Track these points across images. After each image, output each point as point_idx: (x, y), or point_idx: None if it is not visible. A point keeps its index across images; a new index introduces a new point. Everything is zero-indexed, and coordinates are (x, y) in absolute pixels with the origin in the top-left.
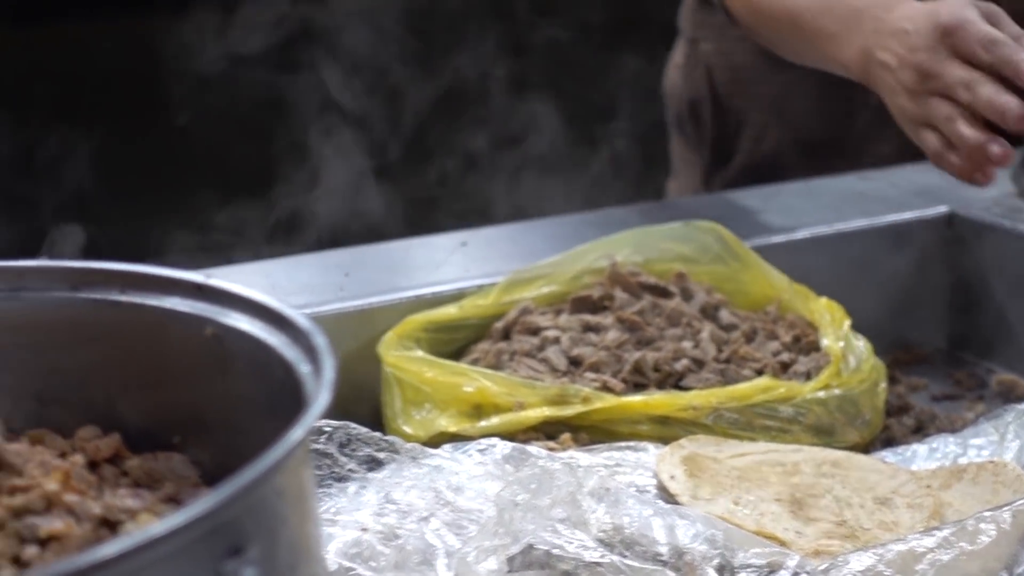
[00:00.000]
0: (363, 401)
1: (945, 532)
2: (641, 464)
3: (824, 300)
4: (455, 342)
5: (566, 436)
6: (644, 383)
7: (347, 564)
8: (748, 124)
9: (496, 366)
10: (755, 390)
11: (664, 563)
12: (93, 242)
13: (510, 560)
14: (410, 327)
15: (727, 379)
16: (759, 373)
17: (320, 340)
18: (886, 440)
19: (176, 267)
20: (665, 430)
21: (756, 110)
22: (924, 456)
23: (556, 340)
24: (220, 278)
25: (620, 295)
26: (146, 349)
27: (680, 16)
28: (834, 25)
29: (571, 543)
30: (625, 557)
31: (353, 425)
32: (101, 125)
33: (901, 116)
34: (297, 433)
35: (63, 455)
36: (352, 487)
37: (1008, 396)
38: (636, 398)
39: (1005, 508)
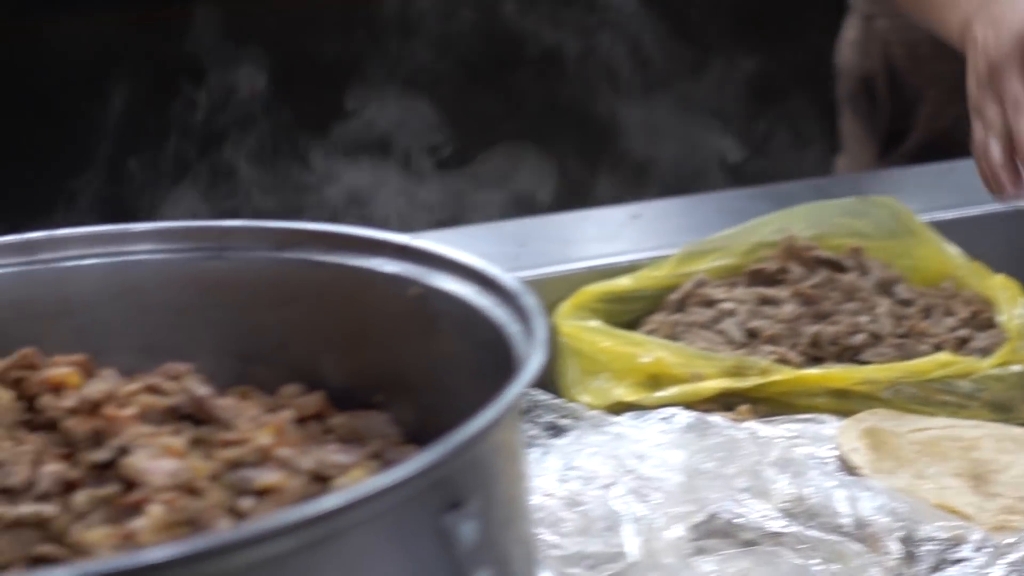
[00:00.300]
0: None
1: None
2: (820, 436)
3: (1000, 277)
4: (629, 313)
5: (744, 407)
6: (821, 357)
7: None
8: (925, 101)
9: (672, 337)
10: (934, 365)
11: (846, 534)
12: None
13: (695, 527)
14: (585, 297)
15: (905, 354)
16: (937, 348)
17: (530, 300)
18: None
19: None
20: (843, 404)
21: (934, 87)
22: None
23: (732, 312)
24: None
25: (796, 269)
26: (349, 309)
27: None
28: None
29: (754, 512)
30: (807, 528)
31: (536, 392)
32: None
33: (968, 93)
34: (515, 389)
35: (270, 411)
36: (535, 453)
37: None
38: (814, 371)
39: None
